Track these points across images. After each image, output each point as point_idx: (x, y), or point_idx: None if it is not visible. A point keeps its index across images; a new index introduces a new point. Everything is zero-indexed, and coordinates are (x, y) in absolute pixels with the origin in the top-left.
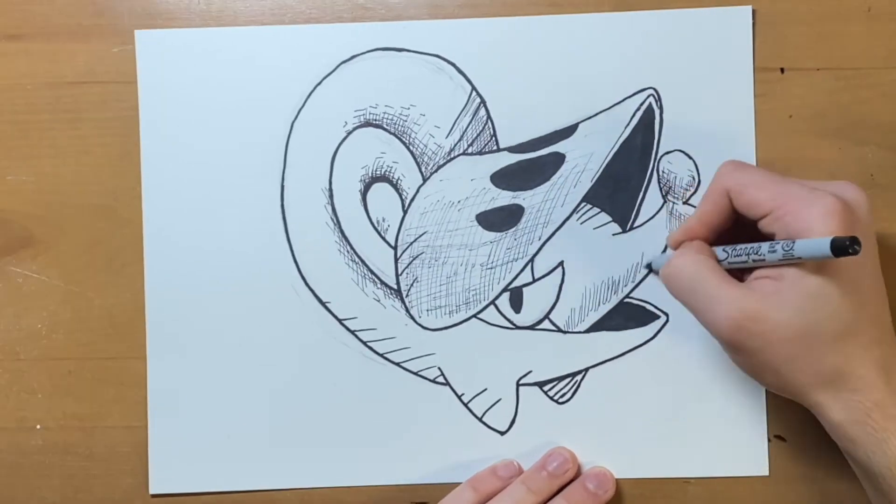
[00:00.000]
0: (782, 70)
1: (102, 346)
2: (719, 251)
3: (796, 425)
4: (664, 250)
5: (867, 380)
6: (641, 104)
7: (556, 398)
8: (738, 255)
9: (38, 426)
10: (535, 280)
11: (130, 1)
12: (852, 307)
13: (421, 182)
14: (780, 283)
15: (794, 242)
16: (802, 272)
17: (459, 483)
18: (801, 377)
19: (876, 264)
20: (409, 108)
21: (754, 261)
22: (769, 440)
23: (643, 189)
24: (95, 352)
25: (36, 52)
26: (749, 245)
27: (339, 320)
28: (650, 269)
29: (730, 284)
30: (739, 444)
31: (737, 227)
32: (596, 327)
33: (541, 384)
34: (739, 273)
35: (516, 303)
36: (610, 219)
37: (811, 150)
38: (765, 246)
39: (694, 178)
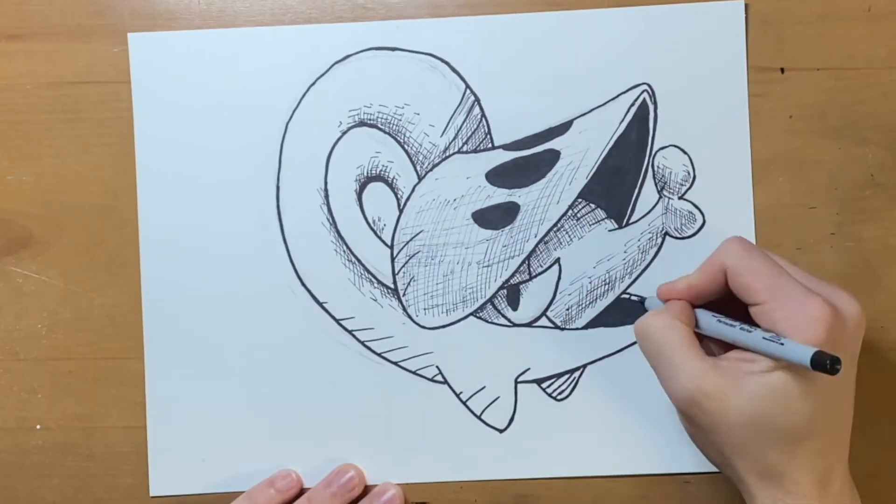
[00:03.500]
0: (782, 70)
1: (103, 346)
2: (704, 315)
3: None
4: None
5: (802, 487)
6: (635, 100)
7: (554, 395)
8: (720, 331)
9: (38, 426)
10: (531, 277)
11: (130, 1)
12: (808, 413)
13: (416, 181)
14: (750, 367)
15: (781, 340)
16: (773, 364)
17: (457, 482)
18: (742, 463)
19: (851, 376)
20: (403, 108)
21: (734, 343)
22: None
23: (639, 185)
24: (95, 352)
25: (36, 52)
26: (733, 326)
27: (337, 320)
28: (644, 303)
29: (696, 356)
30: None
31: (726, 296)
32: (593, 324)
33: (539, 381)
34: (712, 342)
35: (513, 300)
36: (606, 215)
37: (812, 150)
38: (752, 336)
39: (689, 173)
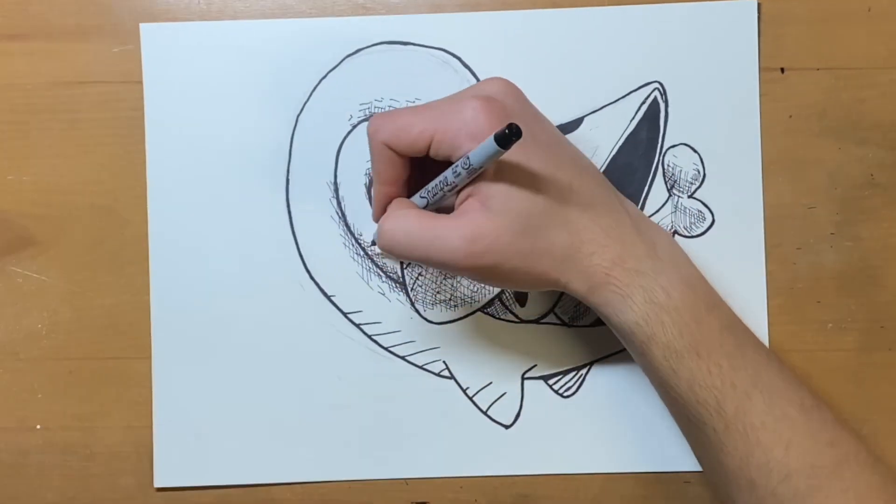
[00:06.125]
0: (782, 70)
1: (103, 346)
2: (417, 199)
3: None
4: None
5: (598, 241)
6: (646, 98)
7: (561, 392)
8: (434, 193)
9: (38, 426)
10: None
11: (130, 1)
12: (546, 186)
13: None
14: (480, 197)
15: (467, 157)
16: (489, 181)
17: (464, 477)
18: (542, 264)
19: (552, 133)
20: (414, 102)
21: (449, 190)
22: None
23: (648, 182)
24: (95, 352)
25: (35, 52)
26: (436, 179)
27: (344, 314)
28: (373, 246)
29: (443, 220)
30: None
31: (426, 166)
32: (600, 321)
33: (546, 378)
34: (449, 209)
35: (521, 297)
36: None
37: (811, 150)
38: (447, 173)
39: (699, 172)
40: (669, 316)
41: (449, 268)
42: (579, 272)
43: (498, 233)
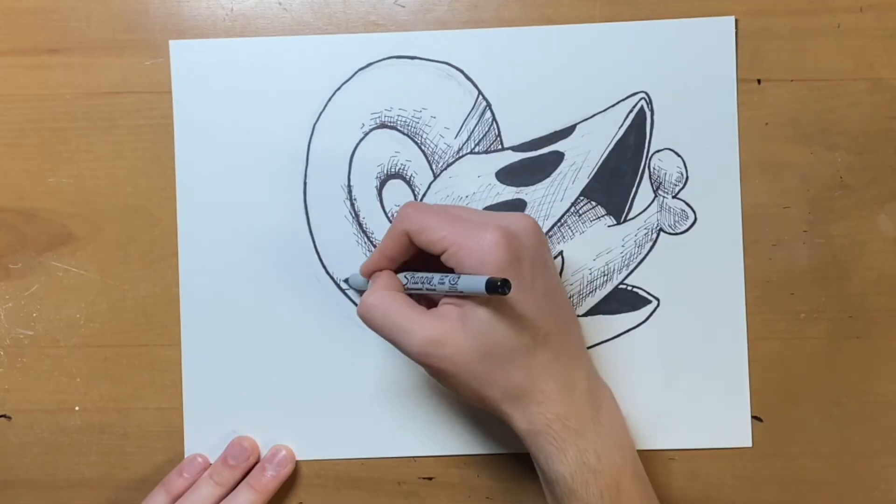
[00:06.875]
0: (759, 81)
1: (135, 334)
2: (402, 277)
3: (775, 407)
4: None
5: (549, 394)
6: (634, 107)
7: None
8: (415, 283)
9: (77, 408)
10: None
11: (161, 18)
12: (527, 328)
13: (432, 179)
14: (462, 310)
15: (457, 278)
16: (477, 303)
17: (469, 455)
18: (491, 392)
19: (553, 282)
20: (420, 111)
21: (428, 289)
22: (752, 418)
23: (636, 184)
24: (129, 340)
25: (74, 64)
26: (423, 275)
27: (356, 305)
28: (347, 282)
29: (418, 315)
30: (724, 418)
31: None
32: (593, 311)
33: None
34: (433, 299)
35: None
36: (605, 212)
37: (786, 155)
38: (435, 278)
39: (682, 174)
40: (595, 477)
41: (405, 353)
42: (523, 414)
43: (460, 348)
